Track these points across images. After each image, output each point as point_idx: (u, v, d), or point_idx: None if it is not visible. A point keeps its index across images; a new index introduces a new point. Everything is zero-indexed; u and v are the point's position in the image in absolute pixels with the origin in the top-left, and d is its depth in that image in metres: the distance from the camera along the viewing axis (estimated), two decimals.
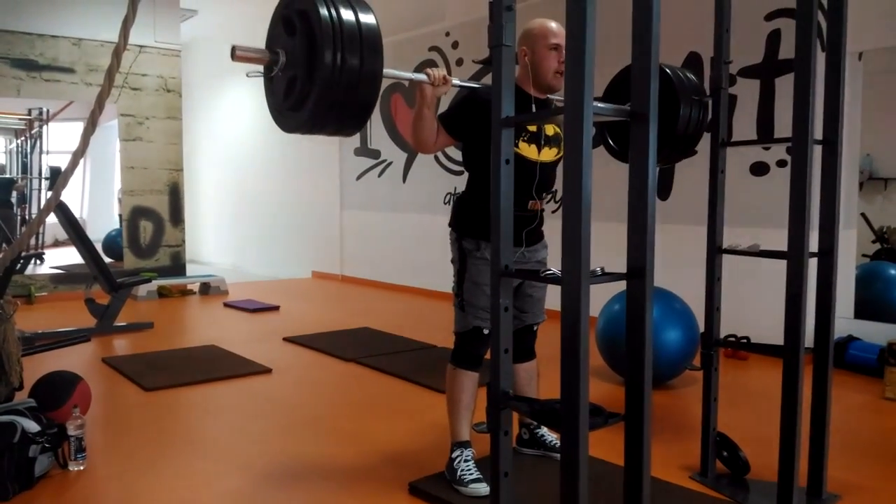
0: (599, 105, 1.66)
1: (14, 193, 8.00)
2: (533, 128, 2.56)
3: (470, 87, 2.45)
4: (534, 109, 2.54)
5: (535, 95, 2.53)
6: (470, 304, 2.62)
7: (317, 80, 1.88)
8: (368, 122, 8.54)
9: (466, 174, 2.74)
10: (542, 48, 2.51)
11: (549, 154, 2.62)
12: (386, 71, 2.00)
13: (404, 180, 7.91)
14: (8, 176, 7.98)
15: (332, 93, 1.90)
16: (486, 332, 2.55)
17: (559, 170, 2.47)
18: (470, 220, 2.65)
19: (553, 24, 2.54)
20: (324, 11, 1.90)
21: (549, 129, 2.61)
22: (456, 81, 2.35)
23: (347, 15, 1.93)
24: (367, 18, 1.97)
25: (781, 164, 4.71)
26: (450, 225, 2.74)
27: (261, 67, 2.11)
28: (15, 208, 7.96)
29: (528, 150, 2.55)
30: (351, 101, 1.95)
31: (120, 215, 8.06)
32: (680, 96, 2.62)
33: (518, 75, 2.48)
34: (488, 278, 2.57)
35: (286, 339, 5.40)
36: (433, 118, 2.45)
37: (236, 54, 1.98)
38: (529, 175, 2.52)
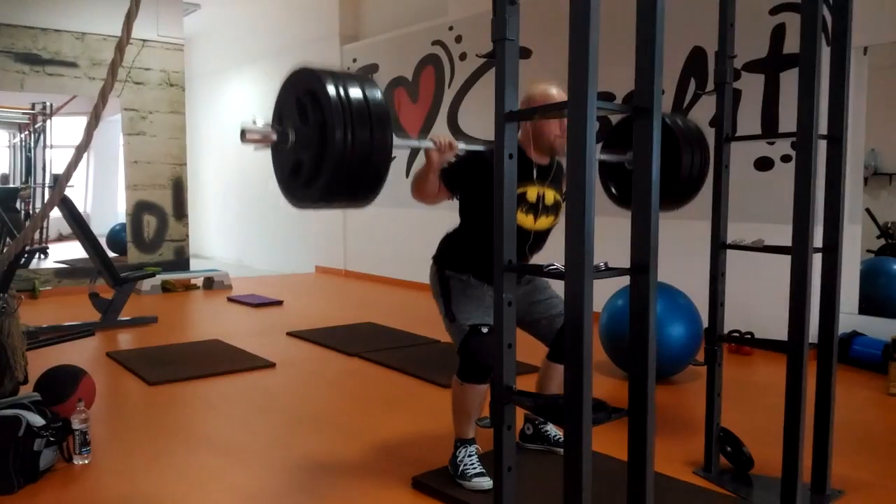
0: (602, 104, 1.66)
1: (20, 201, 8.04)
2: (532, 198, 2.59)
3: (475, 150, 2.46)
4: (535, 175, 2.55)
5: (536, 161, 2.56)
6: (461, 313, 2.61)
7: (328, 158, 1.87)
8: None
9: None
10: None
11: (544, 223, 2.66)
12: (396, 142, 2.00)
13: (407, 175, 7.91)
14: (12, 185, 8.01)
15: (343, 170, 1.90)
16: (484, 330, 2.53)
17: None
18: (455, 256, 2.69)
19: (554, 90, 2.57)
20: (332, 90, 1.89)
21: (550, 198, 2.65)
22: (462, 146, 2.38)
23: (355, 92, 1.93)
24: (374, 94, 1.97)
25: (786, 159, 4.70)
26: (433, 258, 2.76)
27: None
28: (21, 214, 7.99)
29: (525, 220, 2.59)
30: (362, 177, 1.95)
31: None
32: (681, 142, 2.64)
33: (520, 139, 2.52)
34: (475, 291, 2.62)
35: (290, 334, 5.41)
36: (436, 180, 2.51)
37: (246, 137, 1.98)
38: (522, 240, 2.56)
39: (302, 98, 1.96)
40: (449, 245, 2.75)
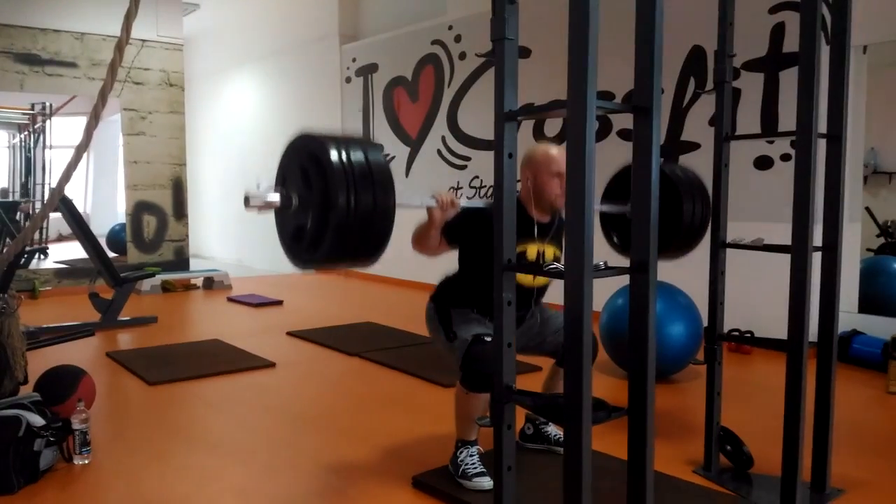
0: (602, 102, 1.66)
1: (20, 214, 8.04)
2: (532, 255, 2.63)
3: (476, 207, 2.49)
4: (535, 233, 2.59)
5: (537, 219, 2.61)
6: (462, 331, 2.64)
7: (331, 222, 1.89)
8: (371, 116, 8.56)
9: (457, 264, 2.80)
10: (544, 174, 2.59)
11: (543, 280, 2.69)
12: (399, 203, 2.01)
13: (407, 174, 7.91)
14: (11, 199, 8.01)
15: (346, 234, 1.91)
16: (487, 339, 2.55)
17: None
18: (455, 294, 2.73)
19: (554, 151, 2.61)
20: (334, 155, 1.90)
21: (550, 255, 2.68)
22: (464, 203, 2.40)
23: (357, 156, 1.94)
24: (376, 157, 1.98)
25: (785, 157, 4.70)
26: (431, 298, 2.80)
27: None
28: (21, 223, 7.98)
29: (524, 278, 2.63)
30: (365, 239, 1.96)
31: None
32: (681, 191, 2.65)
33: (521, 196, 2.60)
34: (474, 316, 2.66)
35: (290, 334, 5.41)
36: (437, 236, 2.54)
37: (249, 204, 1.98)
38: (525, 297, 2.64)
39: (305, 163, 1.98)
40: (448, 286, 2.79)
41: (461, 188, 7.21)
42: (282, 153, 2.10)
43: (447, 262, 2.78)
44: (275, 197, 2.01)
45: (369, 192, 1.90)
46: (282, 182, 2.08)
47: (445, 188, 7.32)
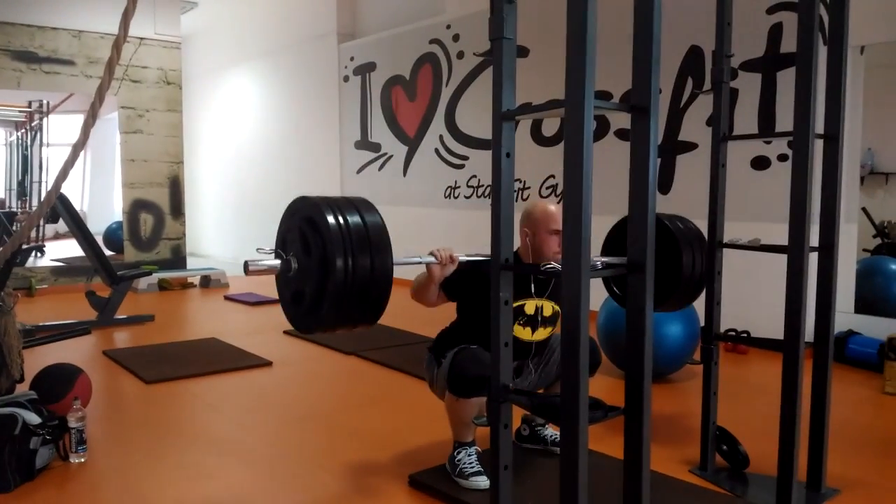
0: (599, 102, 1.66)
1: (16, 225, 8.02)
2: (531, 311, 2.66)
3: (474, 261, 2.48)
4: (532, 287, 2.63)
5: (535, 275, 2.61)
6: (449, 351, 2.66)
7: (329, 285, 1.89)
8: (368, 115, 8.54)
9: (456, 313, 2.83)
10: (542, 232, 2.63)
11: (543, 334, 2.74)
12: (396, 262, 2.01)
13: (405, 174, 7.91)
14: (7, 209, 7.99)
15: (345, 296, 1.91)
16: (473, 346, 2.58)
17: None
18: (450, 342, 2.73)
19: (552, 208, 2.64)
20: (331, 219, 1.91)
21: (548, 310, 2.71)
22: (462, 258, 2.40)
23: (353, 218, 1.95)
24: (373, 219, 1.99)
25: (783, 158, 4.71)
26: (429, 349, 2.82)
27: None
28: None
29: (523, 333, 2.67)
30: (365, 301, 1.97)
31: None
32: (681, 244, 2.65)
33: (520, 251, 2.66)
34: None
35: (286, 333, 5.41)
36: (437, 291, 2.57)
37: (249, 270, 2.00)
38: (523, 353, 2.69)
39: (303, 227, 1.98)
40: (446, 336, 2.80)
41: (458, 188, 7.20)
42: (281, 217, 2.11)
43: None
44: (274, 263, 2.03)
45: (367, 256, 1.92)
46: (281, 245, 2.09)
47: (443, 187, 7.32)
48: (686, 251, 2.67)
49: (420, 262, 2.35)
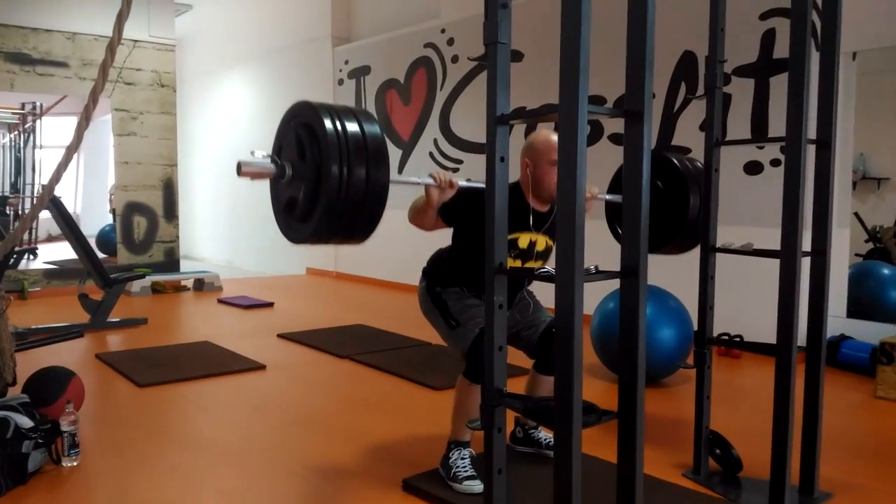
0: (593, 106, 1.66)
1: (9, 209, 8.00)
2: (524, 245, 2.61)
3: (474, 188, 2.47)
4: (531, 221, 2.56)
5: (534, 207, 2.57)
6: (464, 318, 2.63)
7: (323, 193, 1.86)
8: None
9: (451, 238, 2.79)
10: (544, 163, 2.54)
11: (533, 266, 2.67)
12: (393, 178, 1.99)
13: (400, 173, 7.91)
14: (1, 194, 7.97)
15: (338, 206, 1.89)
16: None
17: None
18: (447, 272, 2.71)
19: (555, 138, 2.56)
20: (329, 125, 1.88)
21: (541, 245, 2.66)
22: (462, 184, 2.37)
23: (352, 127, 1.91)
24: (372, 129, 1.95)
25: (775, 163, 4.73)
26: (423, 271, 2.78)
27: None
28: (11, 223, 7.94)
29: (513, 265, 2.61)
30: (358, 213, 1.93)
31: (113, 210, 8.04)
32: (689, 185, 2.62)
33: (520, 182, 2.59)
34: (469, 300, 2.64)
35: (280, 336, 5.40)
36: (434, 215, 2.53)
37: (242, 171, 1.96)
38: (511, 285, 2.59)
39: (300, 132, 1.95)
40: (441, 262, 2.77)
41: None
42: (280, 122, 2.08)
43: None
44: (268, 165, 1.99)
45: (363, 166, 1.88)
46: (277, 152, 2.06)
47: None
48: (694, 193, 2.62)
49: (419, 183, 2.33)
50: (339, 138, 1.87)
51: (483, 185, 2.48)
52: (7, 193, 7.99)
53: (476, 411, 2.62)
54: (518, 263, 2.63)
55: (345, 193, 1.86)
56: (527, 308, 2.79)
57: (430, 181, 2.32)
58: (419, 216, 2.54)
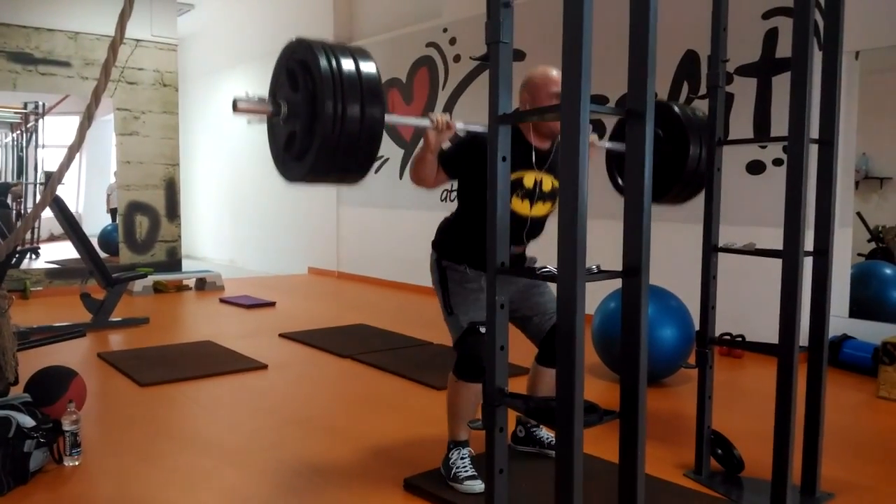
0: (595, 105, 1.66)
1: (10, 196, 8.00)
2: (529, 184, 2.55)
3: (473, 132, 2.44)
4: (534, 160, 2.48)
5: (535, 145, 2.51)
6: (459, 307, 2.61)
7: (318, 130, 1.86)
8: None
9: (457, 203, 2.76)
10: (544, 97, 2.51)
11: (541, 209, 2.62)
12: (388, 118, 1.98)
13: (401, 176, 7.90)
14: (3, 181, 7.98)
15: (333, 143, 1.89)
16: (482, 329, 2.52)
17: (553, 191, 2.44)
18: (453, 244, 2.68)
19: (554, 73, 2.52)
20: (324, 62, 1.88)
21: (547, 185, 2.60)
22: (459, 125, 2.33)
23: (347, 64, 1.91)
24: (368, 67, 1.94)
25: (778, 162, 4.72)
26: (432, 244, 2.75)
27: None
28: (13, 211, 7.96)
29: (521, 206, 2.55)
30: (353, 151, 1.93)
31: (114, 209, 8.05)
32: (689, 133, 2.59)
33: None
34: (472, 284, 2.61)
35: (282, 336, 5.40)
36: (434, 161, 2.47)
37: (237, 107, 1.95)
38: (518, 227, 2.52)
39: (294, 69, 1.95)
40: (447, 232, 2.73)
41: (454, 189, 7.21)
42: (276, 62, 2.06)
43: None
44: (263, 102, 1.99)
45: (357, 103, 1.87)
46: (273, 94, 2.06)
47: (440, 190, 7.31)
48: (694, 142, 2.59)
49: (415, 124, 2.30)
50: (334, 74, 1.87)
51: (482, 129, 2.45)
52: (9, 181, 7.99)
53: (466, 410, 2.61)
54: (525, 204, 2.55)
55: (339, 129, 1.86)
56: (534, 286, 2.70)
57: (427, 122, 2.29)
58: (420, 166, 2.48)
